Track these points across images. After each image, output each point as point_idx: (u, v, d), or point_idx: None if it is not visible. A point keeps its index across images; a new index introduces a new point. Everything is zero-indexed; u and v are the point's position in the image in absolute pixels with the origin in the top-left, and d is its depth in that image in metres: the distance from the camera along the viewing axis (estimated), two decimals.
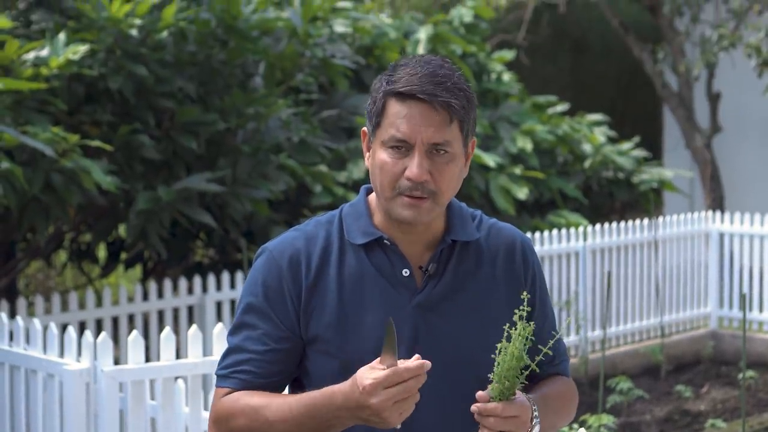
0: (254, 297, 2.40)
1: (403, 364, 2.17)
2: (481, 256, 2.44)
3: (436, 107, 2.31)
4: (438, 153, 2.32)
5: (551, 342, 2.39)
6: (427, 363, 2.17)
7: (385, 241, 2.39)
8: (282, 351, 2.38)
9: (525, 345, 2.23)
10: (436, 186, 2.32)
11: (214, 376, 2.45)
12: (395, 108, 2.33)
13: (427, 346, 2.36)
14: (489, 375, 2.26)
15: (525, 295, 2.37)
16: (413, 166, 2.30)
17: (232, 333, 2.43)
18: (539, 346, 2.35)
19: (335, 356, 2.36)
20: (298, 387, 2.44)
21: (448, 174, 2.34)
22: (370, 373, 2.17)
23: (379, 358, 2.19)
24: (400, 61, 2.41)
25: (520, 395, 2.29)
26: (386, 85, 2.35)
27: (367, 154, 2.42)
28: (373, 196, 2.46)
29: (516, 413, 2.25)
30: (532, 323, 2.27)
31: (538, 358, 2.28)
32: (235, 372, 2.38)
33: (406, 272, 2.39)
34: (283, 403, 2.31)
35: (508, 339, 2.25)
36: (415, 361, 2.17)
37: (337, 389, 2.24)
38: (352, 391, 2.20)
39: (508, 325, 2.27)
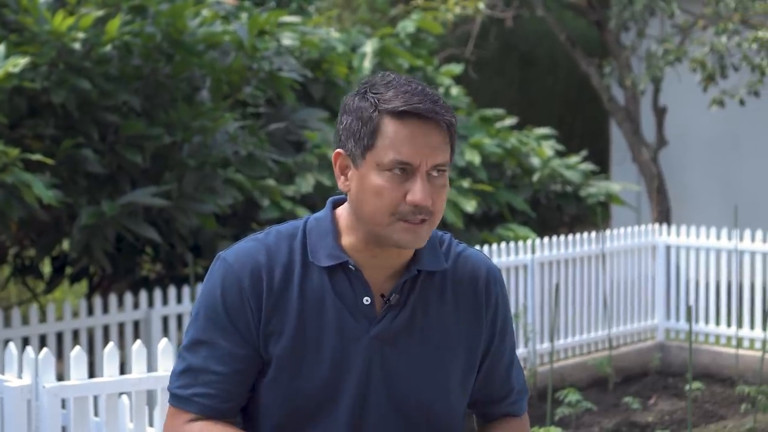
0: (214, 312, 2.29)
1: None
2: (444, 287, 2.35)
3: (440, 126, 2.22)
4: (435, 176, 2.23)
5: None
6: None
7: (350, 267, 2.29)
8: (245, 371, 2.29)
9: None
10: (434, 209, 2.23)
11: (166, 392, 2.34)
12: (393, 127, 2.21)
13: (379, 379, 2.29)
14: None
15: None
16: (418, 191, 2.19)
17: (190, 349, 2.31)
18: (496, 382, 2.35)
19: (287, 382, 2.29)
20: (243, 413, 2.37)
21: (443, 197, 2.25)
22: None
23: None
24: (375, 79, 2.29)
25: None
26: (378, 103, 2.22)
27: (343, 177, 2.28)
28: (340, 212, 2.34)
29: None
30: None
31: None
32: (196, 395, 2.29)
33: (367, 300, 2.29)
34: None
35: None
36: None
37: None
38: None
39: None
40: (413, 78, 2.29)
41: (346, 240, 2.30)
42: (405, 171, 2.20)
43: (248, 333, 2.28)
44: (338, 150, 2.29)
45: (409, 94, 2.21)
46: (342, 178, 2.29)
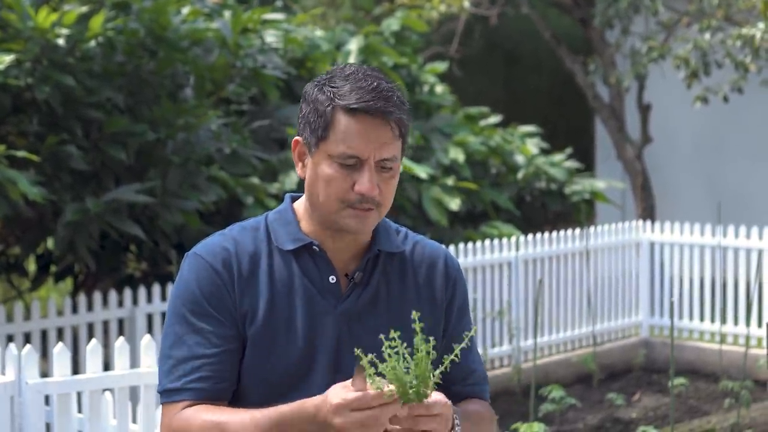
0: (193, 302, 2.35)
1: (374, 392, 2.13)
2: (405, 269, 2.48)
3: (390, 123, 2.33)
4: (384, 169, 2.35)
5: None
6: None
7: (314, 248, 2.40)
8: (233, 350, 2.35)
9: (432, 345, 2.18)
10: (381, 198, 2.35)
11: (149, 388, 2.38)
12: (345, 122, 2.32)
13: (349, 354, 2.36)
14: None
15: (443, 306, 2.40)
16: (365, 182, 2.32)
17: (174, 347, 2.35)
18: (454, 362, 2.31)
19: (262, 362, 2.36)
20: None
21: (391, 187, 2.38)
22: (341, 393, 2.16)
23: (351, 380, 2.17)
24: (336, 71, 2.39)
25: (436, 394, 2.22)
26: (334, 98, 2.33)
27: (300, 164, 2.41)
28: (298, 204, 2.47)
29: (440, 411, 2.20)
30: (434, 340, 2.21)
31: (446, 360, 2.22)
32: (190, 382, 2.32)
33: (332, 279, 2.41)
34: (246, 417, 2.26)
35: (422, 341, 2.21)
36: (387, 391, 2.13)
37: (309, 402, 2.21)
38: (322, 406, 2.18)
39: (420, 326, 2.20)
40: (375, 70, 2.39)
41: (306, 227, 2.43)
42: (354, 163, 2.32)
43: (229, 315, 2.36)
44: (297, 138, 2.42)
45: (364, 91, 2.32)
46: (300, 164, 2.42)
